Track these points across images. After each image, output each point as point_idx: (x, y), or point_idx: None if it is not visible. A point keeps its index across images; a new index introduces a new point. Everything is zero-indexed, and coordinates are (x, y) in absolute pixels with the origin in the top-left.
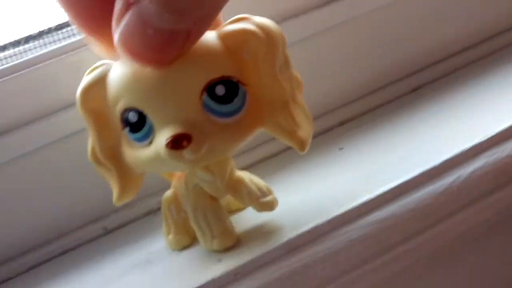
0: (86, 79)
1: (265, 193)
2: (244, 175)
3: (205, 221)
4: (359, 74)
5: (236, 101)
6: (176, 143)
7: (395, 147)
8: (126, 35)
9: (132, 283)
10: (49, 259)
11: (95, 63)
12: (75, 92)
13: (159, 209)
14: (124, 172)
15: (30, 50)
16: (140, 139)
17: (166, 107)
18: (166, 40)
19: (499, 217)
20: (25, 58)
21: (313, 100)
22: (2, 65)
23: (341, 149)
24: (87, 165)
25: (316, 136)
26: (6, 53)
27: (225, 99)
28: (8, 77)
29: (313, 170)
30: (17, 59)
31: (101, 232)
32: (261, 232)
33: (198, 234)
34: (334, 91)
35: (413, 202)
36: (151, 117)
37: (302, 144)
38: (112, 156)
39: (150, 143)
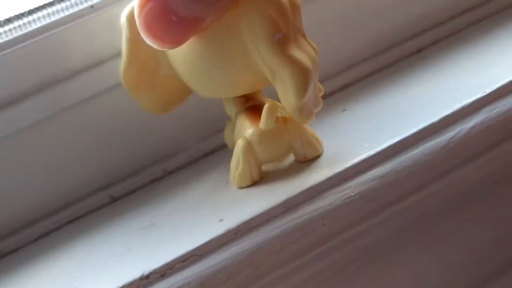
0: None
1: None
2: None
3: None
4: (361, 38)
5: None
6: None
7: (396, 107)
8: (149, 19)
9: (137, 246)
10: (56, 228)
11: None
12: None
13: (163, 177)
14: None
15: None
16: None
17: None
18: (187, 27)
19: (499, 172)
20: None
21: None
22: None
23: (344, 110)
24: (93, 134)
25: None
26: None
27: None
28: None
29: (318, 129)
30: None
31: (108, 200)
32: (261, 191)
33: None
34: (337, 56)
35: (412, 158)
36: None
37: None
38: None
39: None
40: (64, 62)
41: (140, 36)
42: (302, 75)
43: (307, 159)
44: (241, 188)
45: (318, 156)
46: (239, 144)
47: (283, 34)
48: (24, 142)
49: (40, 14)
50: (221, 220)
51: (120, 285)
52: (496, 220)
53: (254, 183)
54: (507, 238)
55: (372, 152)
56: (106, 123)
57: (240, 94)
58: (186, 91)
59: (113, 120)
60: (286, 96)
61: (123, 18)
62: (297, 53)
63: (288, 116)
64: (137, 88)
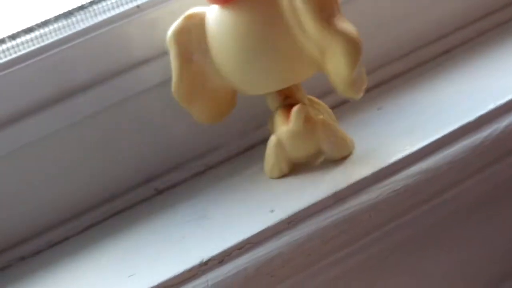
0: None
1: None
2: None
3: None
4: (393, 38)
5: None
6: None
7: (431, 105)
8: None
9: (192, 235)
10: (103, 219)
11: None
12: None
13: (204, 171)
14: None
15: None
16: None
17: None
18: None
19: None
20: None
21: None
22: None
23: (379, 109)
24: (140, 128)
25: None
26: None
27: None
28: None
29: (353, 128)
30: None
31: (153, 192)
32: (306, 184)
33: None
34: (369, 55)
35: (451, 155)
36: None
37: None
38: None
39: None
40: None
41: (188, 53)
42: (354, 45)
43: (336, 159)
44: (272, 178)
45: (346, 156)
46: (270, 140)
47: (330, 8)
48: (72, 138)
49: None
50: (272, 211)
51: (181, 271)
52: None
53: (299, 177)
54: None
55: (414, 148)
56: (150, 120)
57: (284, 86)
58: (233, 100)
59: (157, 116)
60: (338, 70)
61: (169, 36)
62: (346, 25)
63: (320, 118)
64: (190, 102)
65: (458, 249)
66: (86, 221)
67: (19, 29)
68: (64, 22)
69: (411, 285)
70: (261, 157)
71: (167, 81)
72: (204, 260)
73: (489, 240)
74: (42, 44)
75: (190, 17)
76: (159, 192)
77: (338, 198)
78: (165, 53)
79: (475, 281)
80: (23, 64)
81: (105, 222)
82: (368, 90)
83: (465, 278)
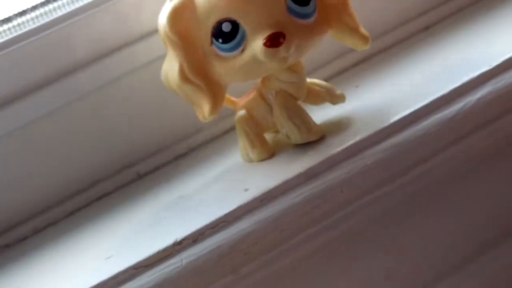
0: (173, 3)
1: (333, 88)
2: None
3: (299, 118)
4: (370, 16)
5: (311, 4)
6: (273, 41)
7: (405, 81)
8: None
9: (168, 217)
10: (86, 205)
11: None
12: None
13: (186, 153)
14: (212, 87)
15: None
16: (231, 49)
17: (259, 13)
18: None
19: (504, 141)
20: None
21: (328, 42)
22: None
23: (357, 86)
24: (122, 112)
25: (333, 76)
26: None
27: (304, 2)
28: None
29: (329, 106)
30: None
31: (135, 176)
32: (282, 163)
33: (293, 130)
34: None
35: (423, 128)
36: (244, 25)
37: (367, 38)
38: (201, 73)
39: (243, 51)
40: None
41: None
42: None
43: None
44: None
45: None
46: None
47: None
48: (52, 124)
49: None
50: (246, 190)
51: (155, 251)
52: (498, 188)
53: (273, 157)
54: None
55: (386, 124)
56: (131, 104)
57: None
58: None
59: (138, 100)
60: None
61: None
62: None
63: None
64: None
65: (432, 224)
66: (70, 207)
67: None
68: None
69: (388, 261)
70: None
71: (152, 62)
72: (178, 239)
73: (465, 213)
74: (20, 32)
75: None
76: (142, 176)
77: (310, 175)
78: (148, 34)
79: (451, 255)
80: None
81: (89, 208)
82: (346, 69)
83: (440, 252)
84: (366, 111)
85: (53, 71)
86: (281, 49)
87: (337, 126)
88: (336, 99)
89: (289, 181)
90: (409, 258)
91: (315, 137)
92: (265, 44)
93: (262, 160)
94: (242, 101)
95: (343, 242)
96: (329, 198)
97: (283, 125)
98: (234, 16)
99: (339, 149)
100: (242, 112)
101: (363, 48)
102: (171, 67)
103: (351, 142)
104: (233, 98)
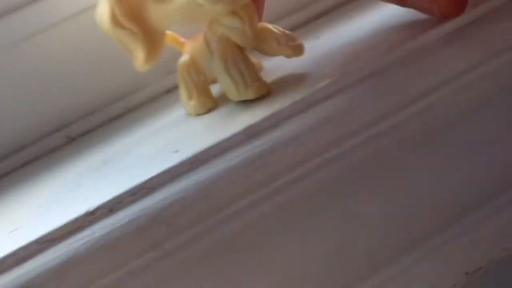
0: None
1: (293, 38)
2: (268, 25)
3: (238, 71)
4: None
5: None
6: None
7: (370, 31)
8: None
9: (87, 184)
10: (12, 170)
11: None
12: None
13: (123, 114)
14: (148, 32)
15: None
16: None
17: None
18: None
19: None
20: None
21: None
22: None
23: (317, 38)
24: (47, 71)
25: (297, 27)
26: None
27: None
28: None
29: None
30: None
31: (65, 140)
32: (227, 120)
33: (229, 85)
34: None
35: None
36: None
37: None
38: (135, 17)
39: None
40: None
41: None
42: None
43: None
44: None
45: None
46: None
47: None
48: None
49: None
50: (176, 151)
51: (64, 223)
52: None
53: (216, 113)
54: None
55: (337, 76)
56: (61, 60)
57: None
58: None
59: (68, 56)
60: None
61: None
62: None
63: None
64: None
65: (390, 189)
66: None
67: None
68: None
69: (345, 229)
70: None
71: (80, 13)
72: (91, 209)
73: (426, 177)
74: None
75: None
76: (72, 139)
77: (250, 133)
78: None
79: (412, 224)
80: None
81: (14, 174)
82: (308, 22)
83: (400, 221)
84: (322, 63)
85: None
86: None
87: (288, 80)
88: (291, 50)
89: (224, 141)
90: (365, 231)
91: (254, 95)
92: None
93: (198, 114)
94: (190, 44)
95: (286, 211)
96: (271, 160)
97: (219, 78)
98: None
99: (286, 104)
100: (185, 57)
101: None
102: (104, 10)
103: (301, 96)
104: (182, 39)
